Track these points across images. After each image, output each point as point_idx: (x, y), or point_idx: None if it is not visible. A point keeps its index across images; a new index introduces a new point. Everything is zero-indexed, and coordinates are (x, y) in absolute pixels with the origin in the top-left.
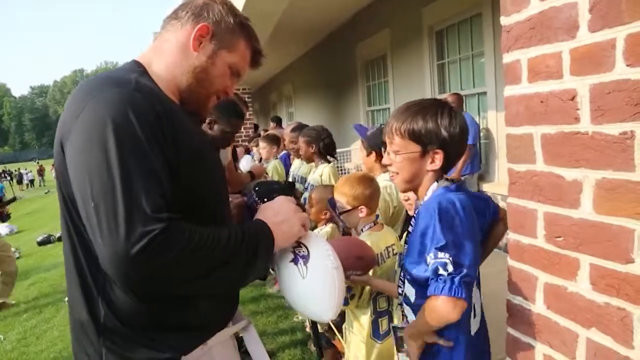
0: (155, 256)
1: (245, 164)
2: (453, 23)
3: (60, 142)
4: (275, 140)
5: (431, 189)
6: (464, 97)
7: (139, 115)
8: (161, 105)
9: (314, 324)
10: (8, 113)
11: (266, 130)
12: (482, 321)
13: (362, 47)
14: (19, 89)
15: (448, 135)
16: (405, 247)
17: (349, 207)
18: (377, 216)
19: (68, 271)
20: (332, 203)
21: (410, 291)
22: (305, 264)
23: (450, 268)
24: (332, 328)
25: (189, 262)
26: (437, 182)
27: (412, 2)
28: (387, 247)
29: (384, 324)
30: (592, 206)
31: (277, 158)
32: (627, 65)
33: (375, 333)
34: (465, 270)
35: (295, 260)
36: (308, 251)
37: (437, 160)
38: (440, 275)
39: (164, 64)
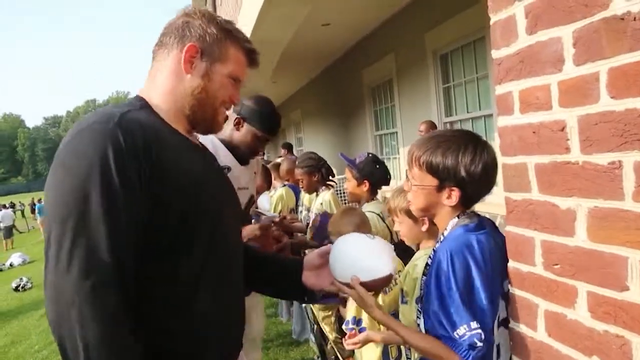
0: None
1: (264, 201)
2: (457, 47)
3: None
4: (277, 169)
5: (451, 224)
6: (471, 120)
7: (115, 155)
8: (144, 139)
9: (322, 353)
10: (22, 144)
11: (279, 156)
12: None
13: (368, 72)
14: (33, 120)
15: (467, 175)
16: (422, 282)
17: None
18: None
19: None
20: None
21: (422, 326)
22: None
23: (482, 337)
24: (339, 358)
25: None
26: (458, 217)
27: (415, 28)
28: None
29: (393, 351)
30: (587, 234)
31: (284, 186)
32: (611, 98)
33: (385, 358)
34: (489, 338)
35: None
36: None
37: (454, 197)
38: (478, 347)
39: (161, 95)
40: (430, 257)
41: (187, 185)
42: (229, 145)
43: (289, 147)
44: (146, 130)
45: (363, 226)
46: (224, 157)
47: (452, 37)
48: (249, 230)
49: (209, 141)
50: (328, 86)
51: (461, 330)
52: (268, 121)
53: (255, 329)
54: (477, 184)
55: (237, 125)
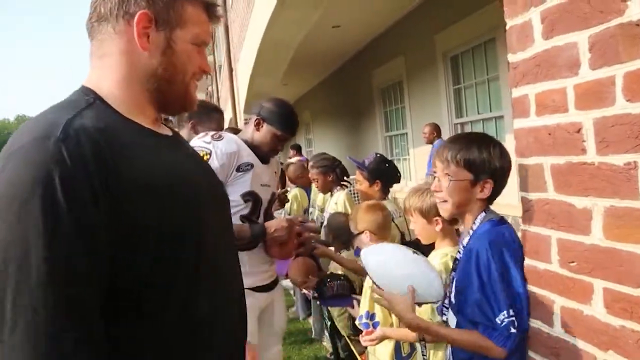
0: None
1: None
2: (467, 49)
3: None
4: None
5: (479, 219)
6: (482, 121)
7: (62, 184)
8: (97, 151)
9: (335, 350)
10: None
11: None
12: None
13: (378, 74)
14: None
15: (499, 166)
16: (452, 278)
17: (356, 232)
18: None
19: None
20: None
21: (452, 320)
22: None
23: (516, 324)
24: (354, 353)
25: None
26: (485, 212)
27: (425, 29)
28: None
29: (405, 347)
30: (602, 233)
31: (297, 186)
32: (627, 101)
33: (398, 355)
34: (523, 326)
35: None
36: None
37: (487, 189)
38: (512, 333)
39: (115, 83)
40: (459, 252)
41: (159, 187)
42: (251, 145)
43: (298, 149)
44: (98, 139)
45: (383, 227)
46: (247, 156)
47: (462, 38)
48: (277, 222)
49: (233, 141)
50: (338, 88)
51: (501, 317)
52: (287, 122)
53: (277, 322)
54: (504, 177)
55: (258, 125)
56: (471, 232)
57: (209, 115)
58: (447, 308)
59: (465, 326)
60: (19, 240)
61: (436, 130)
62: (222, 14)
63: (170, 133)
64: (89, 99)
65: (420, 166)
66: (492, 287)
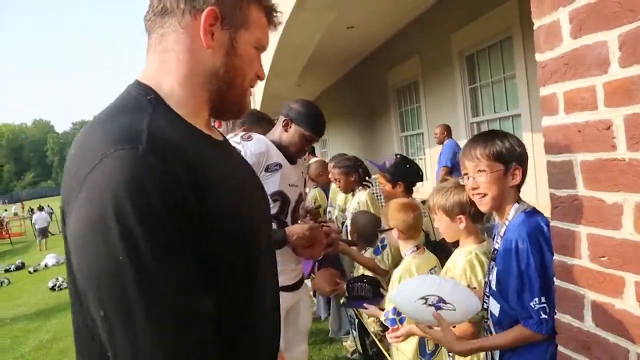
0: None
1: None
2: (483, 47)
3: (63, 209)
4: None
5: (513, 209)
6: (499, 120)
7: (154, 195)
8: (186, 164)
9: (363, 347)
10: (52, 149)
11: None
12: None
13: (394, 73)
14: (62, 125)
15: (521, 152)
16: (493, 266)
17: (386, 227)
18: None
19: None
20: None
21: (494, 306)
22: (445, 302)
23: (548, 310)
24: (381, 351)
25: None
26: (518, 203)
27: (441, 29)
28: (430, 270)
29: (430, 344)
30: (634, 227)
31: (316, 187)
32: None
33: (422, 352)
34: (552, 310)
35: (437, 307)
36: (435, 295)
37: (517, 175)
38: (543, 318)
39: (178, 80)
40: (497, 242)
41: (230, 204)
42: (279, 145)
43: (311, 151)
44: (182, 149)
45: (413, 228)
46: (276, 156)
47: (478, 37)
48: (299, 229)
49: (262, 141)
50: (353, 88)
51: (533, 303)
52: (314, 122)
53: (303, 322)
54: (526, 162)
55: (286, 126)
56: (507, 222)
57: (260, 124)
58: (488, 296)
59: (508, 311)
60: (121, 266)
61: (446, 130)
62: (282, 20)
63: (221, 138)
64: (150, 99)
65: (436, 166)
66: (529, 276)
